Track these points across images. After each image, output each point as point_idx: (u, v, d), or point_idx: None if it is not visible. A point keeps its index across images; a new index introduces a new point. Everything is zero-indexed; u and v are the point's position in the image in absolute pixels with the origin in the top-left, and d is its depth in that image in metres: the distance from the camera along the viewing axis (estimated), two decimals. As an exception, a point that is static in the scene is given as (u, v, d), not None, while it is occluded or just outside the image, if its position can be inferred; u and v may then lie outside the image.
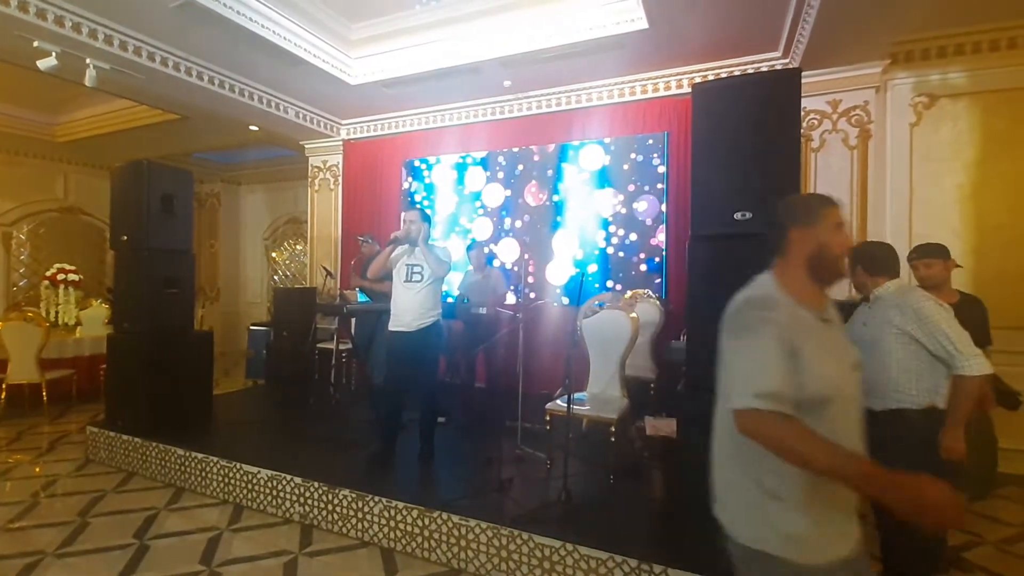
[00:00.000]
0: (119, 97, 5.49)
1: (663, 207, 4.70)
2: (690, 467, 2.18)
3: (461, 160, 5.66)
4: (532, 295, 5.21)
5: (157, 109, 5.80)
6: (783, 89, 2.09)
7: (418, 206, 5.52)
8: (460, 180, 5.67)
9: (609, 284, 4.92)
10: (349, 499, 2.77)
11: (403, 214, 3.32)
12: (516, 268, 5.32)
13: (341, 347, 5.03)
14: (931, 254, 2.53)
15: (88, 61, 3.99)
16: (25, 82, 5.18)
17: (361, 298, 4.77)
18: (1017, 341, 3.59)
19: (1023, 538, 2.84)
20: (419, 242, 3.20)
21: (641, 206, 4.82)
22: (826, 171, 4.12)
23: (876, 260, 2.16)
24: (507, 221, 5.41)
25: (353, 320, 4.76)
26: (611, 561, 2.20)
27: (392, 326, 3.26)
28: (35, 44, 3.72)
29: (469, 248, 4.63)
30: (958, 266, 2.59)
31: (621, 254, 4.89)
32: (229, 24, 3.82)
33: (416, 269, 3.23)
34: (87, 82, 4.07)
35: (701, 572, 2.07)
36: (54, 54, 3.80)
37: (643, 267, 4.80)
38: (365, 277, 4.72)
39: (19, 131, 6.67)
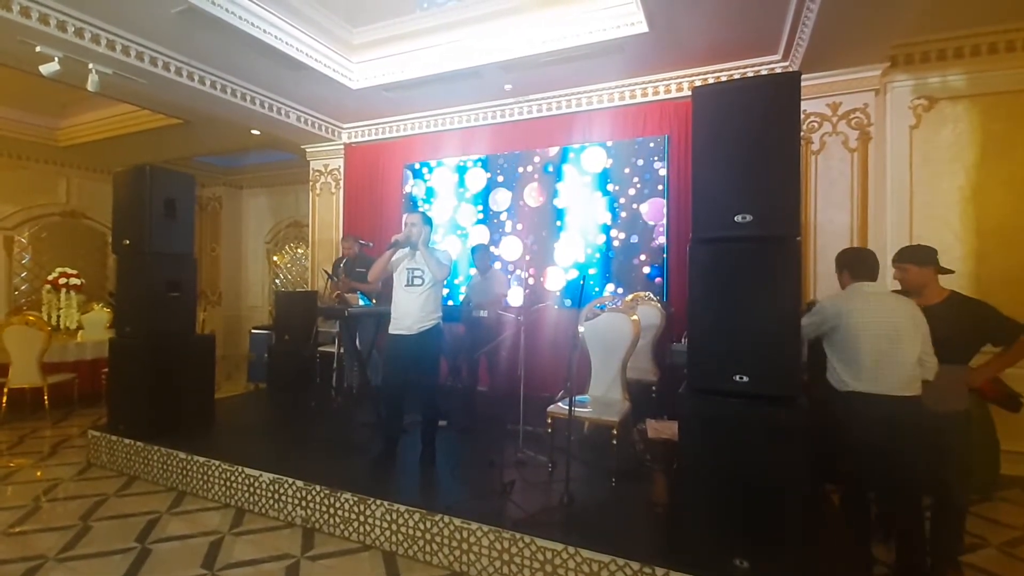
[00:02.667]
0: (121, 102, 5.52)
1: (664, 210, 4.71)
2: (692, 469, 2.19)
3: (462, 163, 5.67)
4: (533, 297, 5.22)
5: (159, 114, 5.83)
6: (783, 92, 2.09)
7: (420, 209, 5.55)
8: (461, 183, 5.68)
9: (610, 287, 4.92)
10: (351, 503, 2.77)
11: (405, 216, 3.33)
12: (517, 269, 5.33)
13: (342, 350, 5.03)
14: (903, 259, 2.51)
15: (90, 66, 4.01)
16: (27, 87, 5.21)
17: (362, 300, 4.77)
18: (1018, 343, 3.58)
19: (1026, 540, 2.84)
20: (420, 245, 3.21)
21: (642, 209, 4.82)
22: (826, 174, 4.13)
23: (841, 263, 2.50)
24: (508, 224, 5.42)
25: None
26: (613, 564, 2.19)
27: (393, 329, 3.26)
28: (37, 49, 3.74)
29: (474, 251, 4.63)
30: (947, 271, 2.50)
31: (622, 257, 4.90)
32: (231, 29, 3.84)
33: (417, 273, 3.23)
34: (89, 87, 4.09)
35: (703, 575, 2.07)
36: (56, 59, 3.82)
37: (644, 270, 4.80)
38: (339, 277, 4.81)
39: (21, 135, 6.70)
